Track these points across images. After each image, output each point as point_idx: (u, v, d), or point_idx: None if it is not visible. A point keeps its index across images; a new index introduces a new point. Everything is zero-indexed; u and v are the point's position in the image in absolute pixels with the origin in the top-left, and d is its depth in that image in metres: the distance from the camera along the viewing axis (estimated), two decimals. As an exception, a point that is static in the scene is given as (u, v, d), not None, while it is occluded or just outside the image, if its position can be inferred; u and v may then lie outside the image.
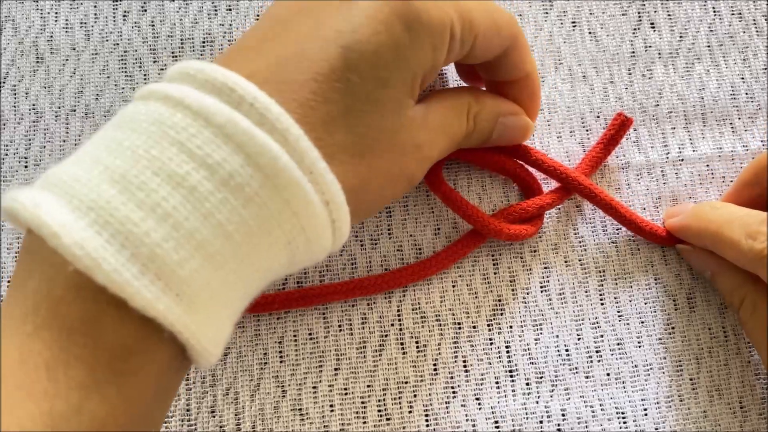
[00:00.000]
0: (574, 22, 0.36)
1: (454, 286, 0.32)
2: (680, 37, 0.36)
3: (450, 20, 0.25)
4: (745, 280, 0.29)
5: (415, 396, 0.31)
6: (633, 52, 0.35)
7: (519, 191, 0.33)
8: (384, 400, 0.30)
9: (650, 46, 0.35)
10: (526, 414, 0.30)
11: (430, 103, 0.27)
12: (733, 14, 0.36)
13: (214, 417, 0.30)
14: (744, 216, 0.29)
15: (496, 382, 0.31)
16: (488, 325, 0.32)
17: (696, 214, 0.31)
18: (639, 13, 0.36)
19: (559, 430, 0.30)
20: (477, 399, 0.31)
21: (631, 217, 0.32)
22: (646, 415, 0.31)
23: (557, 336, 0.32)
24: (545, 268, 0.32)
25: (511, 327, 0.32)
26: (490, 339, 0.31)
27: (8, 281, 0.30)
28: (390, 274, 0.31)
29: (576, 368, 0.31)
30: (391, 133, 0.24)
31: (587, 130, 0.34)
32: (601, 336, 0.32)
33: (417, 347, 0.31)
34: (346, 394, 0.30)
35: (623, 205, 0.32)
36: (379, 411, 0.30)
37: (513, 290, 0.32)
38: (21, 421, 0.18)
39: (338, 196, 0.22)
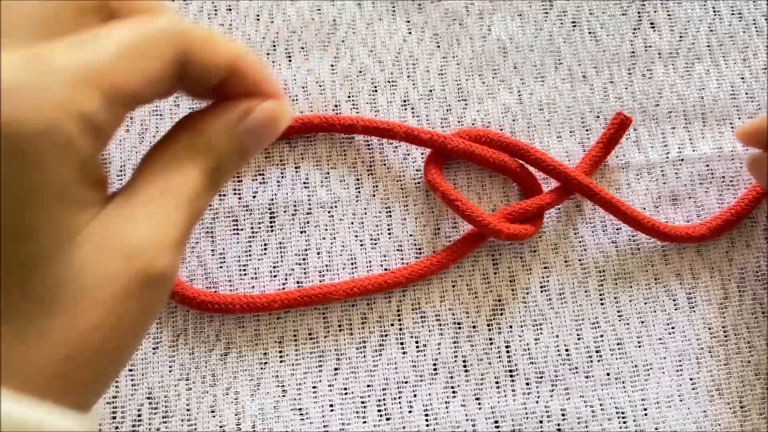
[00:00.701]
0: (574, 22, 0.36)
1: (454, 286, 0.32)
2: (680, 37, 0.36)
3: (54, 123, 0.18)
4: None
5: (415, 396, 0.31)
6: (633, 52, 0.35)
7: (519, 191, 0.33)
8: (384, 399, 0.30)
9: (650, 46, 0.35)
10: (526, 414, 0.30)
11: (134, 180, 0.21)
12: (733, 14, 0.36)
13: (214, 416, 0.30)
14: None
15: (496, 382, 0.31)
16: (488, 325, 0.32)
17: None
18: (639, 13, 0.36)
19: (559, 429, 0.30)
20: (477, 399, 0.31)
21: (632, 214, 0.32)
22: (646, 414, 0.31)
23: (557, 336, 0.32)
24: (545, 268, 0.32)
25: (511, 327, 0.32)
26: (490, 339, 0.31)
27: None
28: (390, 274, 0.31)
29: (576, 368, 0.31)
30: (75, 269, 0.19)
31: (587, 130, 0.34)
32: (601, 336, 0.32)
33: (417, 347, 0.31)
34: (345, 393, 0.30)
35: (624, 203, 0.32)
36: (379, 410, 0.30)
37: (513, 290, 0.32)
38: None
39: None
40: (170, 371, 0.30)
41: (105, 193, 0.20)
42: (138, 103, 0.20)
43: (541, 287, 0.32)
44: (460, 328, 0.31)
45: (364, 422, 0.30)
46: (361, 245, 0.32)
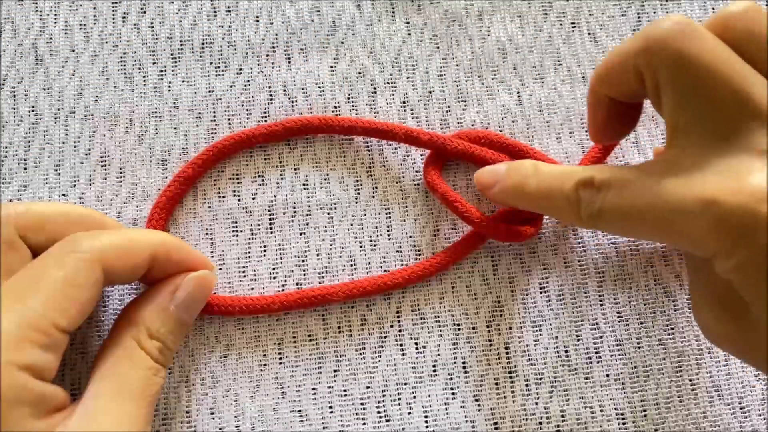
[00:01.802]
0: (573, 23, 0.36)
1: (453, 288, 0.32)
2: (680, 37, 0.36)
3: (7, 384, 0.23)
4: None
5: (414, 397, 0.31)
6: (632, 53, 0.35)
7: (518, 192, 0.33)
8: (383, 401, 0.30)
9: (650, 47, 0.35)
10: (526, 415, 0.30)
11: (91, 386, 0.25)
12: (732, 14, 0.36)
13: (213, 418, 0.30)
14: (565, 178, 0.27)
15: (496, 383, 0.31)
16: (487, 326, 0.32)
17: (515, 188, 0.29)
18: (638, 13, 0.36)
19: (558, 431, 0.30)
20: (476, 400, 0.31)
21: None
22: (645, 416, 0.31)
23: (556, 337, 0.32)
24: (544, 269, 0.32)
25: (510, 328, 0.32)
26: (490, 340, 0.31)
27: None
28: (389, 276, 0.31)
29: (575, 369, 0.31)
30: None
31: (586, 131, 0.34)
32: (601, 337, 0.32)
33: (416, 348, 0.31)
34: (345, 395, 0.30)
35: None
36: (379, 412, 0.30)
37: (512, 291, 0.32)
38: None
39: None
40: (170, 373, 0.30)
41: (66, 405, 0.24)
42: (74, 327, 0.25)
43: (541, 288, 0.32)
44: (459, 329, 0.31)
45: (364, 424, 0.30)
46: (361, 247, 0.32)
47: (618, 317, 0.32)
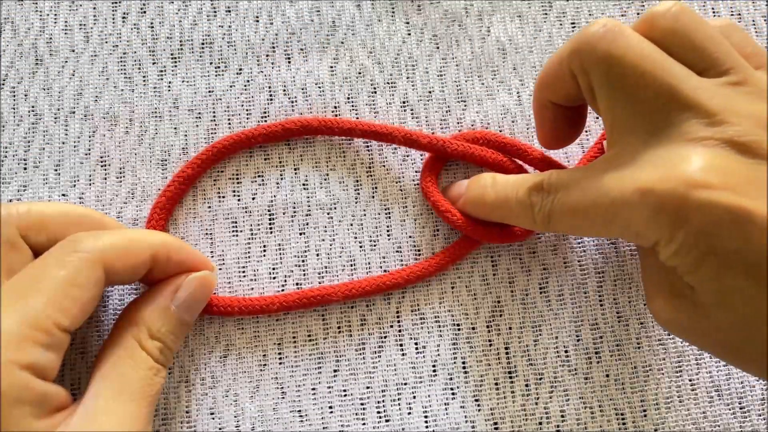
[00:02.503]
0: (573, 23, 0.36)
1: (452, 288, 0.32)
2: (680, 37, 0.36)
3: (7, 384, 0.23)
4: None
5: (414, 397, 0.31)
6: (632, 53, 0.35)
7: (518, 192, 0.33)
8: (383, 401, 0.30)
9: (649, 47, 0.35)
10: (525, 415, 0.30)
11: (92, 386, 0.25)
12: (732, 15, 0.36)
13: (213, 419, 0.30)
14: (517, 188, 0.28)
15: (496, 384, 0.31)
16: (487, 327, 0.32)
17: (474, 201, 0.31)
18: (638, 13, 0.36)
19: (558, 431, 0.30)
20: (476, 400, 0.31)
21: None
22: (645, 416, 0.31)
23: (556, 337, 0.32)
24: (544, 269, 0.32)
25: (510, 328, 0.32)
26: (489, 340, 0.31)
27: None
28: (389, 276, 0.31)
29: (575, 369, 0.31)
30: None
31: (586, 131, 0.34)
32: (601, 337, 0.32)
33: (416, 348, 0.31)
34: (345, 395, 0.30)
35: None
36: (378, 412, 0.30)
37: (512, 291, 0.32)
38: None
39: None
40: (170, 374, 0.30)
41: (67, 405, 0.24)
42: (76, 327, 0.25)
43: (540, 289, 0.32)
44: (459, 329, 0.31)
45: (364, 424, 0.30)
46: (360, 247, 0.32)
47: (618, 317, 0.32)
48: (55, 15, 0.34)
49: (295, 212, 0.32)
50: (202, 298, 0.28)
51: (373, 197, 0.33)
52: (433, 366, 0.31)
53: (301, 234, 0.32)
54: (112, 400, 0.25)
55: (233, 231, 0.32)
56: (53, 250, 0.25)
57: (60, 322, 0.24)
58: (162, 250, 0.27)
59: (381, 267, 0.32)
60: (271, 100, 0.34)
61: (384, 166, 0.33)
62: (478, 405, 0.31)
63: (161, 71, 0.34)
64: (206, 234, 0.32)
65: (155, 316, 0.27)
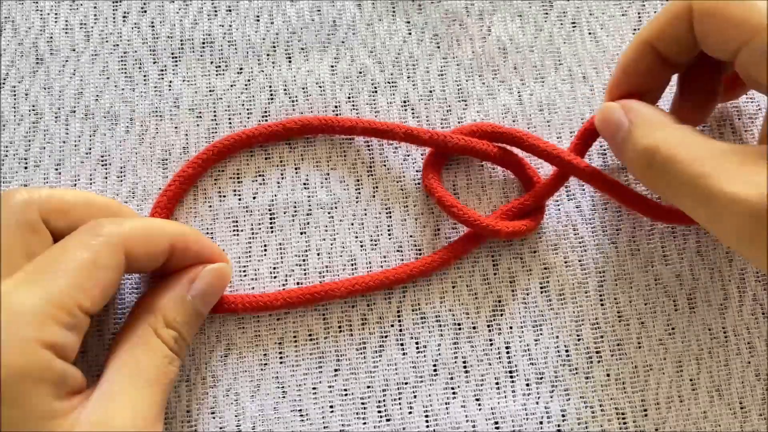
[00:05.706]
0: (573, 23, 0.36)
1: (453, 287, 0.32)
2: (680, 37, 0.36)
3: (26, 363, 0.22)
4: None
5: (415, 396, 0.31)
6: (633, 53, 0.35)
7: (519, 190, 0.33)
8: (384, 400, 0.30)
9: (650, 47, 0.35)
10: (526, 414, 0.30)
11: (108, 371, 0.25)
12: None
13: (214, 418, 0.30)
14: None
15: (496, 383, 0.31)
16: (488, 326, 0.32)
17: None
18: (639, 13, 0.36)
19: (558, 430, 0.30)
20: (477, 399, 0.31)
21: (628, 194, 0.31)
22: (645, 416, 0.31)
23: (557, 337, 0.32)
24: (545, 268, 0.32)
25: (511, 327, 0.32)
26: (490, 339, 0.31)
27: None
28: (391, 271, 0.31)
29: (576, 369, 0.31)
30: None
31: (587, 131, 0.34)
32: (601, 337, 0.32)
33: (417, 348, 0.31)
34: (346, 394, 0.30)
35: (620, 183, 0.31)
36: (379, 411, 0.30)
37: (513, 291, 0.32)
38: None
39: None
40: (170, 372, 0.30)
41: (83, 389, 0.24)
42: (97, 310, 0.25)
43: (541, 288, 0.32)
44: (460, 328, 0.31)
45: (364, 423, 0.30)
46: (361, 246, 0.32)
47: (618, 317, 0.32)
48: (56, 14, 0.34)
49: (295, 211, 0.32)
50: (217, 289, 0.28)
51: (374, 196, 0.33)
52: (434, 365, 0.31)
53: (301, 233, 0.32)
54: (128, 385, 0.25)
55: (234, 230, 0.32)
56: (76, 234, 0.25)
57: (82, 303, 0.24)
58: (180, 239, 0.27)
59: (382, 266, 0.32)
60: (272, 99, 0.34)
61: (385, 165, 0.33)
62: (479, 404, 0.31)
63: (162, 70, 0.34)
64: (207, 233, 0.32)
65: (171, 305, 0.27)
